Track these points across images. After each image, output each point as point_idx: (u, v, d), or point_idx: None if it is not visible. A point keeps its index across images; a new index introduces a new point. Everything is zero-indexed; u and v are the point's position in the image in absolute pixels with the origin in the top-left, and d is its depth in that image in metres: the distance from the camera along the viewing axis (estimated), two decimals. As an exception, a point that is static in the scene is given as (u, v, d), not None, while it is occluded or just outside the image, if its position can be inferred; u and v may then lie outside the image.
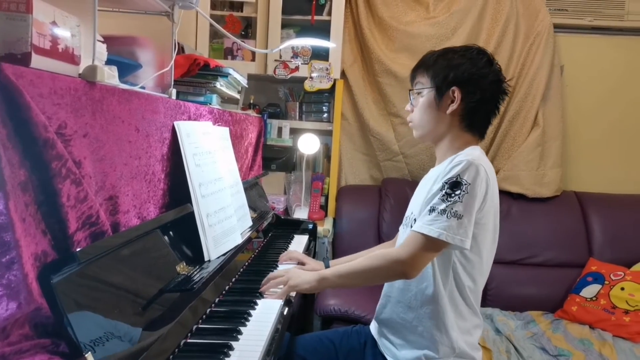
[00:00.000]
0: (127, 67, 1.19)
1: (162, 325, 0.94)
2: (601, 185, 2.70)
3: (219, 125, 1.59)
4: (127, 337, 0.84)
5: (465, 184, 1.11)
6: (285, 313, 1.23)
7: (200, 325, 1.09)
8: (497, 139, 2.63)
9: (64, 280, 0.74)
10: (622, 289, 2.20)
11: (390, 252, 1.19)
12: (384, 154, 2.71)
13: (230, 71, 1.63)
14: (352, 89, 2.68)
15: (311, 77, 2.52)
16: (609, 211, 2.53)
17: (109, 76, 0.91)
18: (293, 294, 1.36)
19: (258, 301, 1.25)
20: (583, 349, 1.97)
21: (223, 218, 1.37)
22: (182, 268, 1.14)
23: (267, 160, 2.50)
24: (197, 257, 1.23)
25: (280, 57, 2.53)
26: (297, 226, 2.14)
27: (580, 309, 2.22)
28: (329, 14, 2.52)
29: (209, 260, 1.25)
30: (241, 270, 1.48)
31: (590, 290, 2.27)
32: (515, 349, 1.97)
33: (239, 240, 1.44)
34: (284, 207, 2.59)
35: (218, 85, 1.58)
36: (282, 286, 1.29)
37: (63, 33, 0.77)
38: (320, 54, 2.54)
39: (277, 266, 1.55)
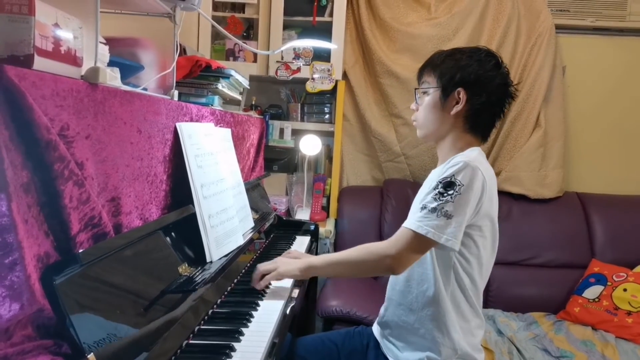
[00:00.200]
0: (129, 68, 1.20)
1: (164, 326, 0.94)
2: (603, 186, 2.70)
3: (220, 126, 1.59)
4: (129, 338, 0.85)
5: (458, 185, 1.11)
6: (287, 314, 1.24)
7: (202, 326, 1.09)
8: (499, 139, 2.63)
9: (66, 282, 0.74)
10: (625, 290, 2.20)
11: (378, 246, 1.20)
12: (385, 154, 2.71)
13: (232, 72, 1.64)
14: (353, 90, 2.68)
15: (313, 78, 2.52)
16: (611, 212, 2.53)
17: (111, 78, 0.91)
18: (295, 294, 1.37)
19: (260, 302, 1.25)
20: (585, 350, 1.96)
21: (225, 219, 1.37)
22: (184, 269, 1.15)
23: (268, 161, 2.50)
24: (199, 258, 1.23)
25: (282, 58, 2.53)
26: (299, 227, 2.14)
27: (582, 310, 2.21)
28: (331, 15, 2.52)
29: (211, 262, 1.25)
30: (243, 271, 1.48)
31: (592, 292, 2.26)
32: (518, 350, 1.97)
33: (240, 241, 1.44)
34: (286, 208, 2.59)
35: (220, 86, 1.58)
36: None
37: (65, 35, 0.78)
38: (322, 55, 2.55)
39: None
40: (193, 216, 1.23)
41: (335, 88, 2.55)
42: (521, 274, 2.44)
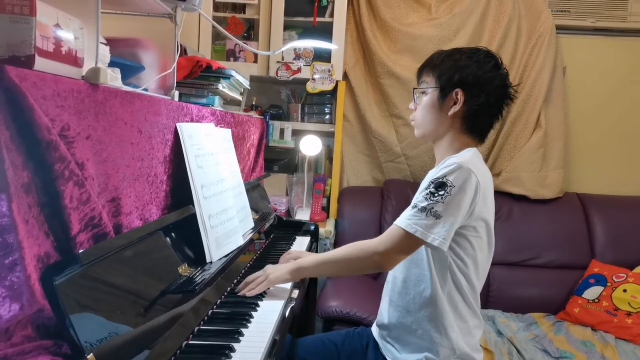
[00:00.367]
0: (129, 69, 1.20)
1: (164, 327, 0.95)
2: (603, 186, 2.70)
3: (221, 126, 1.59)
4: (129, 338, 0.85)
5: (449, 186, 1.12)
6: (287, 315, 1.24)
7: (202, 327, 1.09)
8: (500, 140, 2.63)
9: (66, 282, 0.74)
10: (625, 290, 2.20)
11: (367, 243, 1.21)
12: (385, 155, 2.71)
13: (233, 73, 1.64)
14: (354, 91, 2.68)
15: (313, 79, 2.52)
16: (612, 213, 2.53)
17: (112, 78, 0.91)
18: (295, 294, 1.37)
19: (260, 303, 1.25)
20: (585, 351, 1.96)
21: (225, 219, 1.37)
22: (184, 269, 1.15)
23: (269, 161, 2.50)
24: (199, 258, 1.23)
25: (283, 58, 2.53)
26: (299, 227, 2.14)
27: (582, 310, 2.21)
28: (331, 15, 2.52)
29: (211, 262, 1.25)
30: (243, 271, 1.48)
31: (592, 292, 2.26)
32: (517, 350, 1.97)
33: (240, 241, 1.44)
34: (286, 209, 2.59)
35: (220, 87, 1.58)
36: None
37: (66, 35, 0.78)
38: (323, 56, 2.55)
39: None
40: (193, 216, 1.23)
41: (335, 88, 2.55)
42: (521, 275, 2.44)
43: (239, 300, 1.27)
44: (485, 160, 2.67)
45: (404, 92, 2.55)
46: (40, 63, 0.71)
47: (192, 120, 1.35)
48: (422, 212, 1.13)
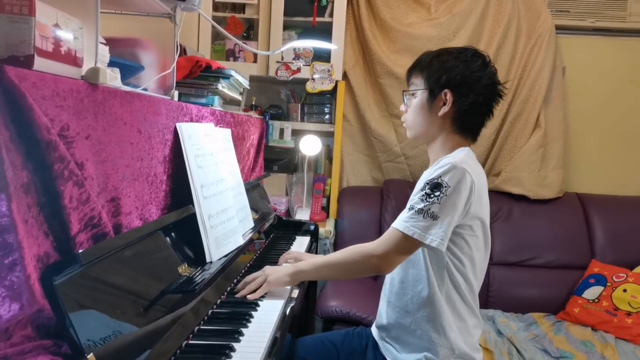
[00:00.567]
0: (129, 69, 1.20)
1: (164, 327, 0.94)
2: (603, 186, 2.70)
3: (220, 126, 1.59)
4: (129, 338, 0.85)
5: (445, 187, 1.12)
6: (286, 314, 1.24)
7: (202, 327, 1.09)
8: (499, 140, 2.63)
9: (66, 282, 0.74)
10: (625, 290, 2.20)
11: (366, 246, 1.21)
12: (385, 155, 2.71)
13: (232, 73, 1.64)
14: (353, 91, 2.68)
15: (313, 79, 2.52)
16: (611, 213, 2.53)
17: (112, 78, 0.91)
18: (295, 294, 1.37)
19: (260, 302, 1.25)
20: (585, 350, 1.96)
21: (225, 219, 1.37)
22: (183, 269, 1.15)
23: (268, 161, 2.50)
24: (198, 258, 1.23)
25: (282, 58, 2.53)
26: (299, 227, 2.14)
27: (582, 310, 2.21)
28: (331, 15, 2.53)
29: (211, 262, 1.25)
30: (243, 271, 1.48)
31: (592, 292, 2.26)
32: (517, 350, 1.97)
33: (240, 241, 1.44)
34: (286, 209, 2.59)
35: (220, 86, 1.58)
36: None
37: (66, 35, 0.78)
38: (322, 56, 2.55)
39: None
40: (193, 216, 1.23)
41: (335, 88, 2.55)
42: (521, 275, 2.44)
43: (239, 300, 1.26)
44: (485, 160, 2.68)
45: (403, 92, 2.55)
46: (40, 63, 0.71)
47: (191, 120, 1.35)
48: (419, 213, 1.13)
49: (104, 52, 0.99)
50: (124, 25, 1.31)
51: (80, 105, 0.81)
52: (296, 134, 2.64)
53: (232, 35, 1.86)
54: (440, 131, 1.26)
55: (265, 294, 1.30)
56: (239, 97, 1.88)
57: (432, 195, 1.13)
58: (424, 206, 1.13)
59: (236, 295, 1.28)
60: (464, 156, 1.19)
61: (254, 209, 1.82)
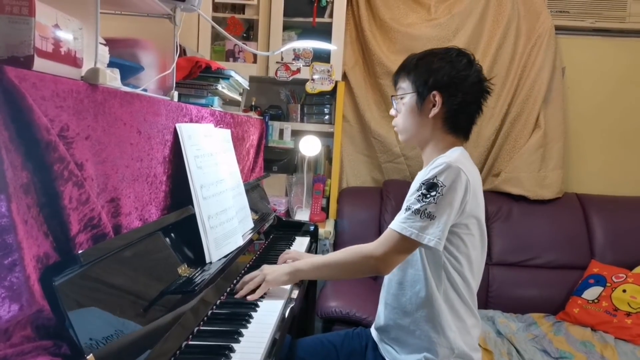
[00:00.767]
0: (129, 69, 1.20)
1: (163, 327, 0.94)
2: (603, 187, 2.70)
3: (220, 127, 1.59)
4: (129, 339, 0.85)
5: (440, 186, 1.13)
6: (286, 315, 1.24)
7: (201, 327, 1.09)
8: (499, 140, 2.63)
9: (65, 282, 0.74)
10: (624, 291, 2.20)
11: (364, 248, 1.22)
12: (385, 155, 2.71)
13: (232, 73, 1.64)
14: (353, 91, 2.68)
15: (312, 79, 2.53)
16: (611, 213, 2.53)
17: (111, 79, 0.91)
18: (294, 295, 1.37)
19: (259, 303, 1.25)
20: (585, 351, 1.96)
21: (224, 220, 1.37)
22: (183, 270, 1.15)
23: (268, 162, 2.50)
24: (198, 259, 1.23)
25: (282, 59, 2.53)
26: (299, 228, 2.14)
27: (582, 311, 2.21)
28: (331, 16, 2.53)
29: (211, 262, 1.25)
30: (242, 272, 1.48)
31: (592, 293, 2.26)
32: (517, 351, 1.97)
33: (240, 242, 1.44)
34: (286, 209, 2.59)
35: (220, 87, 1.58)
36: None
37: (65, 36, 0.78)
38: (322, 56, 2.55)
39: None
40: (192, 217, 1.23)
41: (335, 89, 2.55)
42: (521, 275, 2.44)
43: (238, 301, 1.26)
44: (485, 161, 2.68)
45: (403, 92, 2.55)
46: (40, 63, 0.71)
47: (191, 121, 1.35)
48: (416, 214, 1.14)
49: (104, 52, 0.99)
50: (123, 26, 1.31)
51: (80, 106, 0.81)
52: (296, 134, 2.65)
53: (231, 35, 1.86)
54: (432, 132, 1.27)
55: (265, 294, 1.30)
56: (238, 98, 1.88)
57: (428, 196, 1.13)
58: (421, 206, 1.13)
59: (235, 296, 1.28)
60: (458, 155, 1.19)
61: (253, 209, 1.82)
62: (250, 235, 1.58)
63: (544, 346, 2.00)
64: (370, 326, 1.46)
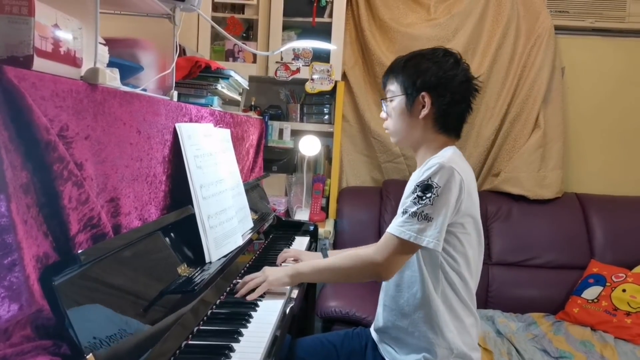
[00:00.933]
0: (128, 69, 1.20)
1: (163, 327, 0.94)
2: (602, 186, 2.70)
3: (220, 127, 1.59)
4: (128, 339, 0.85)
5: (436, 187, 1.13)
6: (286, 315, 1.24)
7: (201, 327, 1.09)
8: (498, 140, 2.63)
9: (65, 282, 0.74)
10: (624, 290, 2.20)
11: (365, 253, 1.22)
12: (385, 155, 2.71)
13: (232, 73, 1.64)
14: (353, 91, 2.68)
15: (312, 79, 2.52)
16: (611, 213, 2.53)
17: (111, 78, 0.91)
18: (294, 294, 1.37)
19: (259, 303, 1.25)
20: (584, 350, 1.97)
21: (224, 220, 1.37)
22: (183, 270, 1.15)
23: (268, 161, 2.50)
24: (198, 258, 1.23)
25: (282, 59, 2.53)
26: (298, 228, 2.14)
27: (581, 310, 2.21)
28: (330, 16, 2.53)
29: (210, 262, 1.25)
30: (242, 271, 1.48)
31: (591, 292, 2.26)
32: (517, 350, 1.97)
33: (240, 241, 1.44)
34: (285, 209, 2.59)
35: (219, 87, 1.58)
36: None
37: (65, 36, 0.78)
38: (322, 56, 2.55)
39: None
40: (192, 217, 1.23)
41: (334, 89, 2.55)
42: (520, 275, 2.44)
43: (238, 301, 1.26)
44: (484, 161, 2.68)
45: (403, 92, 2.55)
46: (39, 63, 0.71)
47: (191, 121, 1.35)
48: (414, 217, 1.14)
49: (103, 52, 0.99)
50: (123, 26, 1.31)
51: (80, 106, 0.81)
52: (295, 134, 2.64)
53: (231, 35, 1.86)
54: (424, 133, 1.27)
55: (265, 294, 1.30)
56: (238, 98, 1.88)
57: (424, 197, 1.13)
58: (417, 209, 1.14)
59: (235, 295, 1.28)
60: (451, 155, 1.20)
61: (253, 209, 1.82)
62: (249, 235, 1.58)
63: (543, 346, 2.00)
64: (370, 326, 1.46)
